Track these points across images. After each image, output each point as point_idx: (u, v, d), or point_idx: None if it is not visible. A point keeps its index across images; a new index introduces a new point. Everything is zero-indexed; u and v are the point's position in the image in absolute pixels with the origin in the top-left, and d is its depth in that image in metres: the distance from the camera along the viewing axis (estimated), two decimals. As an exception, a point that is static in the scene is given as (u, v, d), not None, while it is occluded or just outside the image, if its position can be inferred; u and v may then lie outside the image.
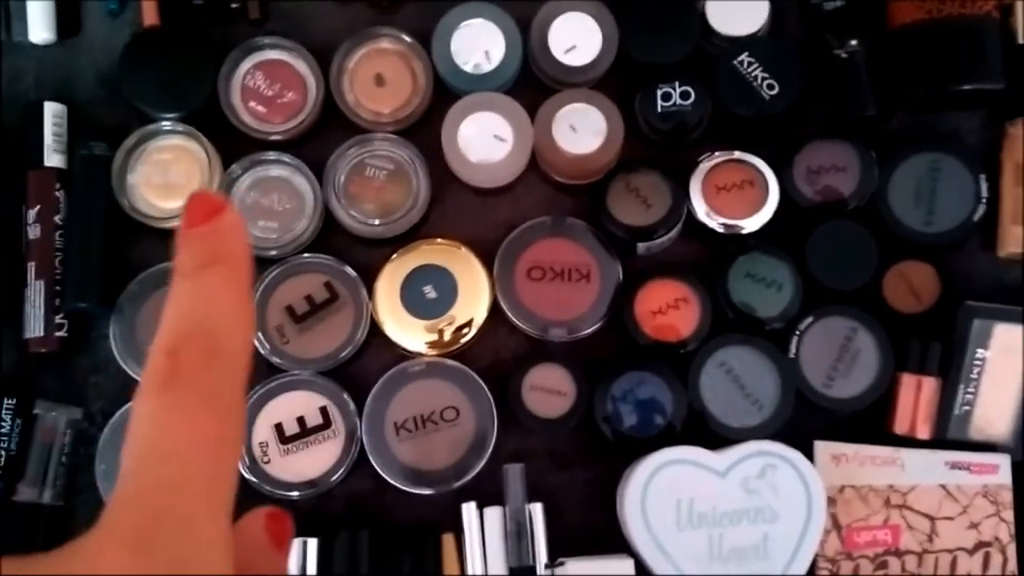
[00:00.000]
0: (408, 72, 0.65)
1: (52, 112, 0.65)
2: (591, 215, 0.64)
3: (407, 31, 0.65)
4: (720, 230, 0.63)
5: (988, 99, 0.64)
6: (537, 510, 0.60)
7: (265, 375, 0.63)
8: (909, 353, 0.62)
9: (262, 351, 0.63)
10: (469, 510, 0.61)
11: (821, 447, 0.62)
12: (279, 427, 0.62)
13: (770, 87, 0.64)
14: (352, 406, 0.62)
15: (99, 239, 0.63)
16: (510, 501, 0.60)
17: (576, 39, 0.65)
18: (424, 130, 0.65)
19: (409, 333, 0.63)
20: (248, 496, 0.59)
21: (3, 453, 0.61)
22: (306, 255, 0.64)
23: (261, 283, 0.63)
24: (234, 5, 0.67)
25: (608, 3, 0.65)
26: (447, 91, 0.65)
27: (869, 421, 0.63)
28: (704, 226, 0.64)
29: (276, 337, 0.63)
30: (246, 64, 0.65)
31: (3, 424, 0.61)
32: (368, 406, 0.62)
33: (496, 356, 0.65)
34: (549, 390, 0.62)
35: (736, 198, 0.64)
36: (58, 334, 0.63)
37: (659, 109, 0.64)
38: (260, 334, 0.63)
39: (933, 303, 0.63)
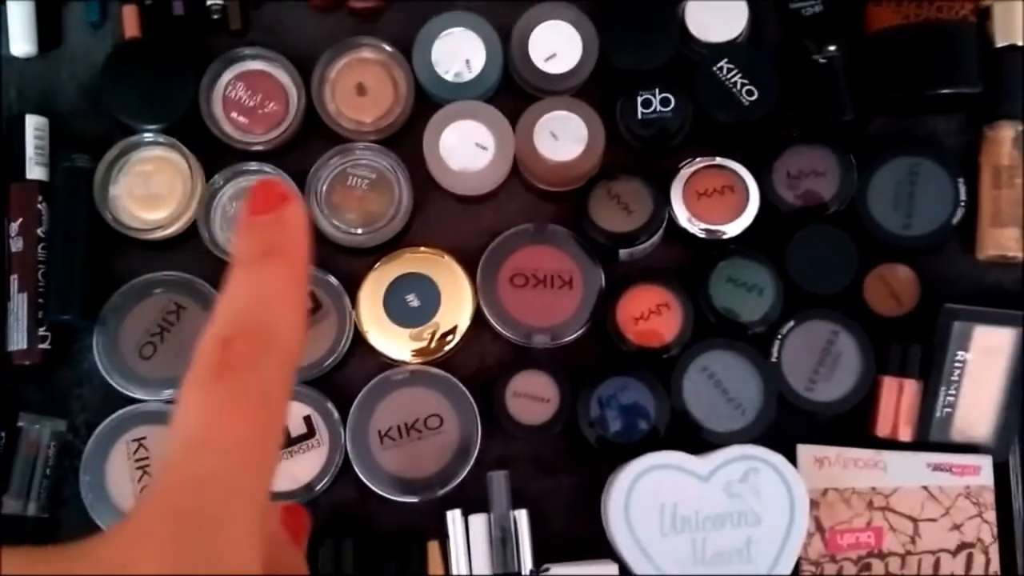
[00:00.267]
0: (389, 81, 0.65)
1: (34, 125, 0.65)
2: (573, 222, 0.65)
3: (388, 40, 0.65)
4: (702, 235, 0.64)
5: (965, 103, 0.65)
6: (522, 517, 0.60)
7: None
8: (890, 356, 0.63)
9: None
10: (454, 517, 0.61)
11: (804, 450, 0.62)
12: (263, 437, 0.62)
13: (749, 93, 0.64)
14: (336, 415, 0.62)
15: (82, 251, 0.64)
16: (495, 508, 0.60)
17: (556, 47, 0.65)
18: (406, 139, 0.66)
19: (393, 341, 0.63)
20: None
21: (-13, 466, 0.61)
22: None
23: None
24: (215, 16, 0.67)
25: (588, 11, 0.65)
26: (428, 100, 0.66)
27: (851, 424, 0.63)
28: (686, 232, 0.64)
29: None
30: (227, 75, 0.65)
31: (-13, 437, 0.61)
32: (352, 415, 0.62)
33: (480, 363, 0.65)
34: (533, 397, 0.63)
35: (717, 203, 0.64)
36: (41, 346, 0.63)
37: (640, 116, 0.65)
38: (244, 344, 0.63)
39: (913, 306, 0.63)
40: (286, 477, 0.62)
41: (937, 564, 0.61)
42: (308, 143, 0.66)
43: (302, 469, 0.62)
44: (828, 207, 0.64)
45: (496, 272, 0.64)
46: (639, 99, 0.65)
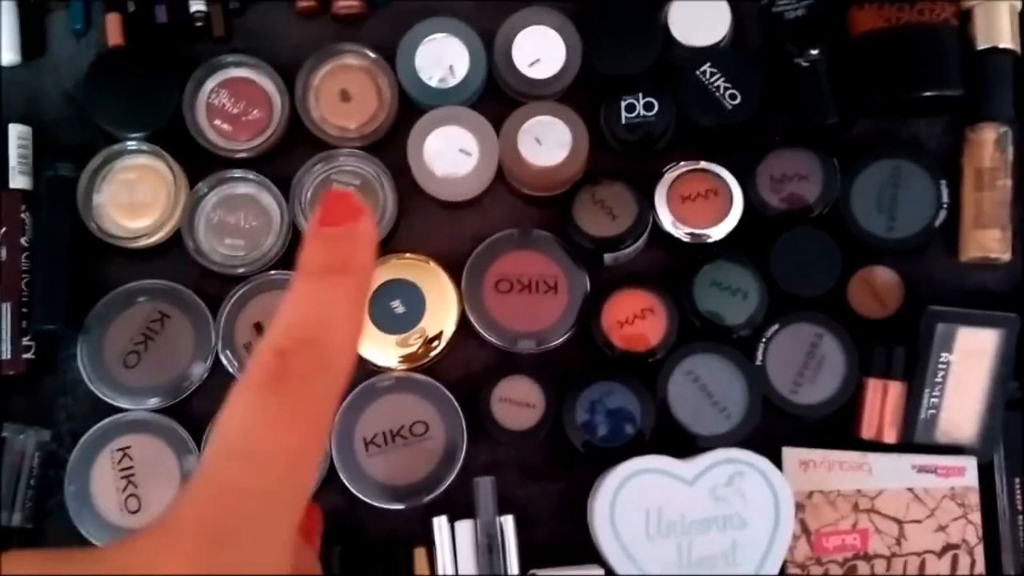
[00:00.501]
0: (373, 87, 0.65)
1: (17, 134, 0.65)
2: (558, 227, 0.65)
3: (371, 47, 0.65)
4: (686, 239, 0.64)
5: (947, 105, 0.65)
6: (508, 522, 0.60)
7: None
8: (874, 358, 0.63)
9: (231, 369, 0.63)
10: (440, 524, 0.61)
11: (789, 453, 0.62)
12: (249, 444, 0.62)
13: (732, 97, 0.64)
14: (322, 422, 0.62)
15: (65, 260, 0.63)
16: (481, 514, 0.60)
17: (540, 52, 0.65)
18: (390, 145, 0.66)
19: (378, 348, 0.63)
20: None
21: (-29, 476, 0.61)
22: (274, 272, 0.64)
23: (229, 301, 0.63)
24: (198, 23, 0.67)
25: (571, 16, 0.65)
26: (412, 106, 0.66)
27: (836, 426, 0.64)
28: (670, 236, 0.64)
29: (244, 355, 0.63)
30: (211, 82, 0.65)
31: (-29, 447, 0.61)
32: (337, 422, 0.62)
33: (467, 369, 0.65)
34: (518, 402, 0.63)
35: (701, 207, 0.64)
36: (25, 356, 0.63)
37: (623, 120, 0.65)
38: (228, 352, 0.63)
39: (897, 308, 0.64)
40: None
41: (923, 565, 0.61)
42: (292, 150, 0.66)
43: (288, 476, 0.62)
44: (812, 210, 0.64)
45: (481, 277, 0.64)
46: (623, 104, 0.65)
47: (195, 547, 0.22)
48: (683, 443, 0.62)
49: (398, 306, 0.63)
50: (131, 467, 0.62)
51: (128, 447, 0.62)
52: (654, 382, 0.62)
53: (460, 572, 0.60)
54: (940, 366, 0.63)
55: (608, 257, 0.64)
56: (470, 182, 0.64)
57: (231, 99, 0.65)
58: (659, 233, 0.64)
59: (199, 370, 0.63)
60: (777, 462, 0.61)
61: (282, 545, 0.24)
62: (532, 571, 0.60)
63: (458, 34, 0.65)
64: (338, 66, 0.66)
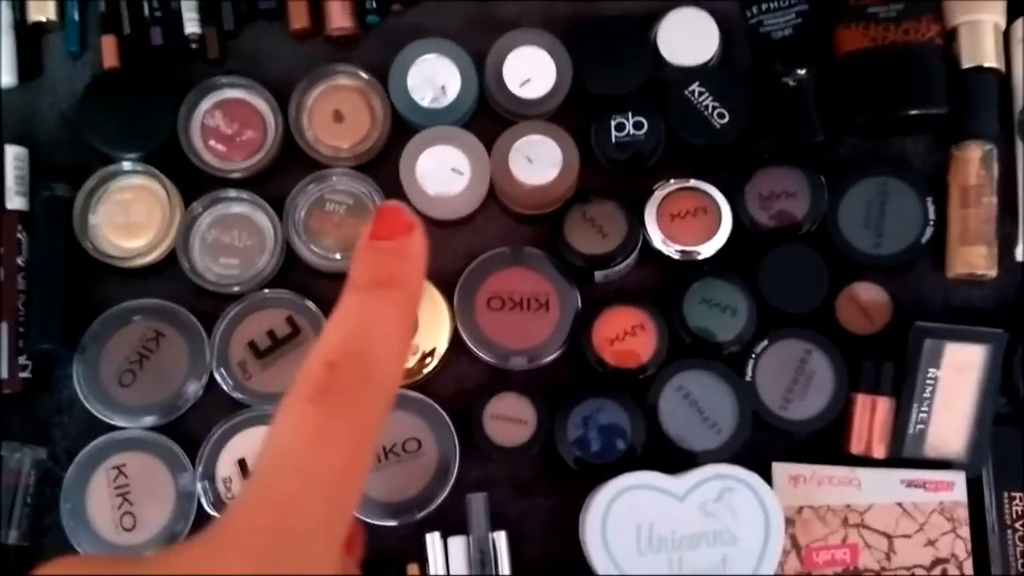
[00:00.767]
0: (366, 108, 0.66)
1: (14, 155, 0.65)
2: (549, 245, 0.65)
3: (364, 67, 0.66)
4: (676, 257, 0.65)
5: (933, 123, 0.66)
6: (501, 539, 0.61)
7: (229, 411, 0.63)
8: (863, 374, 0.63)
9: (225, 387, 0.63)
10: (433, 540, 0.61)
11: (779, 468, 0.63)
12: (243, 463, 0.62)
13: (721, 116, 0.65)
14: (316, 439, 0.63)
15: (61, 280, 0.64)
16: (474, 530, 0.61)
17: (531, 72, 0.66)
18: (383, 164, 0.66)
19: (371, 365, 0.64)
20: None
21: (-33, 495, 0.61)
22: (267, 291, 0.65)
23: (224, 319, 0.64)
24: (193, 46, 0.68)
25: (561, 36, 0.66)
26: (405, 126, 0.66)
27: (826, 442, 0.64)
28: (660, 253, 0.65)
29: (239, 373, 0.63)
30: (205, 103, 0.66)
31: (-33, 466, 0.61)
32: (331, 439, 0.62)
33: (459, 386, 0.66)
34: (510, 419, 0.63)
35: (691, 225, 0.65)
36: (22, 375, 0.63)
37: (613, 139, 0.65)
38: (223, 370, 0.63)
39: (885, 324, 0.64)
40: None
41: (912, 580, 0.61)
42: (286, 170, 0.67)
43: (282, 494, 0.62)
44: (800, 227, 0.65)
45: (473, 295, 0.65)
46: (613, 123, 0.65)
47: (251, 555, 0.23)
48: (674, 459, 0.62)
49: (391, 324, 0.64)
50: (126, 485, 0.62)
51: (123, 465, 0.62)
52: (645, 398, 0.63)
53: (453, 588, 0.60)
54: (928, 381, 0.63)
55: (599, 274, 0.65)
56: (462, 201, 0.64)
57: (225, 120, 0.66)
58: (649, 250, 0.65)
59: (194, 388, 0.63)
60: (767, 477, 0.61)
61: (332, 556, 0.24)
62: (524, 587, 0.61)
63: (449, 55, 0.66)
64: (331, 87, 0.66)
